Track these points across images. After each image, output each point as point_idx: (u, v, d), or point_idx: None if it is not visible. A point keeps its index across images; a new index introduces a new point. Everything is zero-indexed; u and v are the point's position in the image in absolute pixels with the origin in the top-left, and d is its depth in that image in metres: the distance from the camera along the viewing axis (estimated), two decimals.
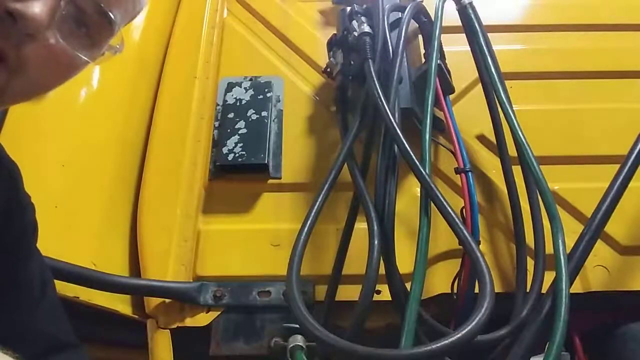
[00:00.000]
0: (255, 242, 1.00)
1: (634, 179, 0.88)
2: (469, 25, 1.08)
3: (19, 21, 0.42)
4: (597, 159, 1.06)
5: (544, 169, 0.90)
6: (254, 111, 1.12)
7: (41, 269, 0.67)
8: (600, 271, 0.95)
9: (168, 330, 0.91)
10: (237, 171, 1.07)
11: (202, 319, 0.93)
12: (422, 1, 1.13)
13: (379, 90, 0.93)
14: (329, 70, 1.16)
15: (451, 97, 1.11)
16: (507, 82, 1.03)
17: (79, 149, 0.96)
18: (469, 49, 1.08)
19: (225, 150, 1.06)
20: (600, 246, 0.94)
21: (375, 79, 0.95)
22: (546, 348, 0.69)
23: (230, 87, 1.17)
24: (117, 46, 0.53)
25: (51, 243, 0.80)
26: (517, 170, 0.99)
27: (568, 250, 0.81)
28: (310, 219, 0.85)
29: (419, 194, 0.91)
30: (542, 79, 1.19)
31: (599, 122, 1.12)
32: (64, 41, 0.46)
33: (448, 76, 1.08)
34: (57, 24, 0.45)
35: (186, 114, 1.14)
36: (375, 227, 0.83)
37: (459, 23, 1.10)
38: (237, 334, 0.91)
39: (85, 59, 0.49)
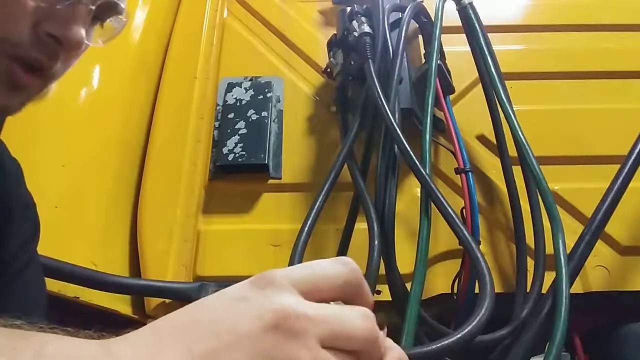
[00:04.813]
0: (255, 242, 1.00)
1: (634, 179, 0.88)
2: (469, 26, 1.08)
3: (65, 44, 0.47)
4: (597, 159, 1.06)
5: (544, 169, 0.89)
6: (254, 111, 1.12)
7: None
8: (600, 271, 0.95)
9: None
10: (237, 171, 1.07)
11: None
12: (422, 1, 1.13)
13: (379, 91, 0.93)
14: (329, 70, 1.16)
15: (451, 97, 1.11)
16: (507, 82, 1.03)
17: (79, 149, 0.96)
18: (469, 49, 1.08)
19: (225, 150, 1.06)
20: (600, 246, 0.94)
21: (375, 79, 0.95)
22: (546, 348, 0.69)
23: (230, 87, 1.17)
24: (123, 19, 0.55)
25: (51, 243, 0.80)
26: (517, 170, 0.99)
27: (568, 251, 0.81)
28: (310, 219, 0.85)
29: (419, 194, 0.91)
30: (542, 79, 1.19)
31: (599, 122, 1.12)
32: (88, 41, 0.50)
33: (448, 76, 1.08)
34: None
35: (186, 114, 1.14)
36: (376, 228, 0.83)
37: (459, 23, 1.10)
38: None
39: (100, 45, 0.53)
